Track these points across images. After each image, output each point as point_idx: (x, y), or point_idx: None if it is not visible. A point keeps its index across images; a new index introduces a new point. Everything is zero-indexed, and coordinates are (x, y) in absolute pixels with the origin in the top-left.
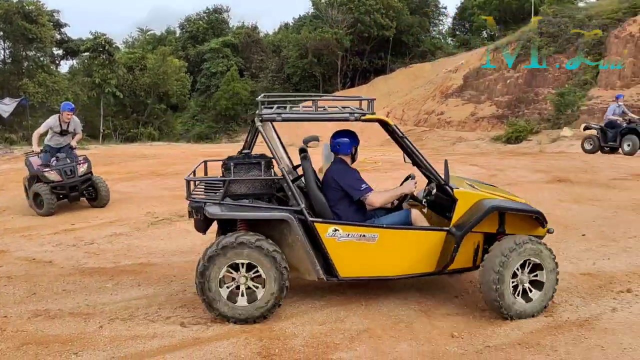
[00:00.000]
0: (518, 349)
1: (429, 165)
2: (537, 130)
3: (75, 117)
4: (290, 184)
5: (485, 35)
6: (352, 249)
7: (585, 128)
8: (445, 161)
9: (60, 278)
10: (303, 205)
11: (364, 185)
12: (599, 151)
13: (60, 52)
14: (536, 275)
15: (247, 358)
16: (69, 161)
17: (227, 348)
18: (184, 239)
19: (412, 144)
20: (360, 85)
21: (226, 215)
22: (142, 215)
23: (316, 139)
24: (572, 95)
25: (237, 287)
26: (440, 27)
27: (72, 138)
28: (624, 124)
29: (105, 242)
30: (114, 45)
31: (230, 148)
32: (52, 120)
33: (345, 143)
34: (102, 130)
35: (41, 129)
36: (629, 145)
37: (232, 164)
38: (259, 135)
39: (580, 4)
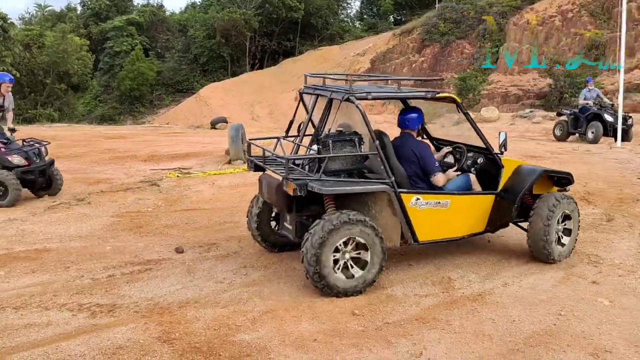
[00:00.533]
0: (415, 324)
1: (484, 136)
2: (440, 115)
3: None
4: (384, 158)
5: (392, 20)
6: (429, 215)
7: (558, 114)
8: (505, 133)
9: None
10: (393, 178)
11: (437, 163)
12: (570, 137)
13: None
14: (566, 225)
15: (146, 343)
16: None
17: (125, 334)
18: (82, 223)
19: (472, 119)
20: (269, 67)
21: (337, 190)
22: (38, 199)
23: (224, 120)
24: (473, 80)
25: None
26: (349, 11)
27: (6, 118)
28: (595, 109)
29: None
30: (8, 21)
31: (136, 130)
32: None
33: (414, 119)
34: None
35: None
36: (592, 132)
37: (330, 141)
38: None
39: None
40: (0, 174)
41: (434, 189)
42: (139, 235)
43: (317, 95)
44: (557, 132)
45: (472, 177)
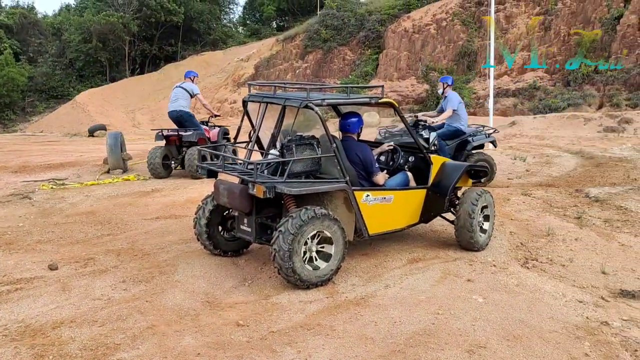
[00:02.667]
0: (300, 331)
1: (416, 136)
2: (326, 119)
3: None
4: (340, 159)
5: (275, 26)
6: (377, 210)
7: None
8: (436, 134)
9: None
10: (347, 177)
11: (376, 165)
12: None
13: None
14: (484, 214)
15: None
16: None
17: None
18: None
19: (406, 121)
20: (151, 72)
21: (304, 190)
22: None
23: (103, 128)
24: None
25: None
26: (231, 16)
27: None
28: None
29: None
30: None
31: (6, 139)
32: None
33: (354, 123)
34: None
35: None
36: None
37: (293, 145)
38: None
39: (362, 0)
40: None
41: (374, 186)
42: (8, 253)
43: (267, 104)
44: None
45: (409, 174)
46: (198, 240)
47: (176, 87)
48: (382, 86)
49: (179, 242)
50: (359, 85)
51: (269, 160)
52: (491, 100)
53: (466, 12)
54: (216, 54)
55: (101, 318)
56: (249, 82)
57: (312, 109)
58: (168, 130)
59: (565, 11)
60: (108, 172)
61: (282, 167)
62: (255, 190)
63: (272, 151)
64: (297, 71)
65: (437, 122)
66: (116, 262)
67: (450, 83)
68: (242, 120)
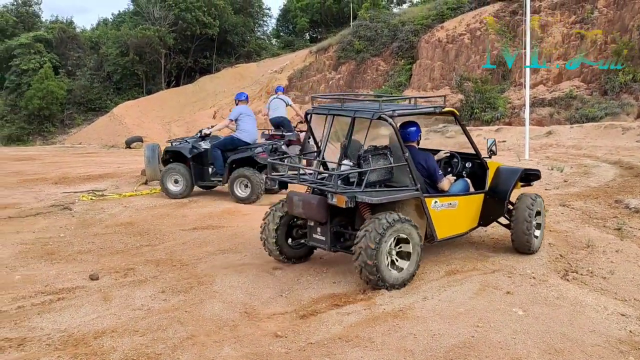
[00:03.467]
0: (338, 343)
1: (474, 144)
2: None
3: None
4: (412, 168)
5: (308, 37)
6: (444, 215)
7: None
8: (494, 139)
9: None
10: (418, 185)
11: (440, 171)
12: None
13: None
14: (537, 220)
15: None
16: None
17: None
18: None
19: (466, 129)
20: (186, 84)
21: (384, 199)
22: None
23: (140, 139)
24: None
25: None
26: (265, 28)
27: None
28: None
29: None
30: None
31: (46, 151)
32: None
33: (413, 132)
34: None
35: None
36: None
37: (369, 155)
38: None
39: (395, 10)
40: None
41: (438, 193)
42: (50, 263)
43: (333, 116)
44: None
45: (469, 180)
46: (264, 245)
47: (274, 98)
48: (445, 96)
49: (216, 253)
50: (422, 95)
51: (350, 171)
52: (527, 109)
53: (500, 21)
54: (250, 66)
55: (142, 328)
56: (312, 95)
57: (386, 120)
58: (270, 131)
59: (602, 19)
60: (146, 183)
61: (359, 177)
62: (335, 200)
63: (345, 162)
64: (330, 82)
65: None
66: (155, 273)
67: (242, 99)
68: (307, 133)
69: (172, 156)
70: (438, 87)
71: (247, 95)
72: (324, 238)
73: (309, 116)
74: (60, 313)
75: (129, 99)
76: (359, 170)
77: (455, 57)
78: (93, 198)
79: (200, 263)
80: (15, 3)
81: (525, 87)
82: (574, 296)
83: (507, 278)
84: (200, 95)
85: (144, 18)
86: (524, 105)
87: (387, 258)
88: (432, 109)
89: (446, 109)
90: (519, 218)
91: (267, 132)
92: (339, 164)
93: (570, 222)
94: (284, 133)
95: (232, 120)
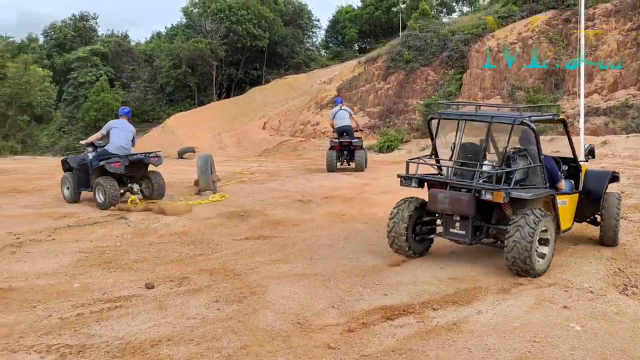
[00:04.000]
0: (392, 355)
1: (574, 149)
2: (407, 140)
3: None
4: (545, 168)
5: (357, 48)
6: (562, 211)
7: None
8: (591, 144)
9: None
10: (549, 184)
11: (559, 173)
12: None
13: None
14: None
15: None
16: None
17: None
18: (48, 260)
19: (570, 136)
20: (237, 95)
21: (534, 196)
22: (1, 235)
23: (192, 150)
24: (439, 106)
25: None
26: (314, 40)
27: None
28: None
29: None
30: None
31: None
32: None
33: (533, 137)
34: None
35: None
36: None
37: (517, 156)
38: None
39: (445, 20)
40: None
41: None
42: (107, 271)
43: (465, 121)
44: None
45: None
46: (392, 244)
47: (340, 109)
48: (558, 106)
49: (268, 263)
50: (540, 104)
51: (506, 170)
52: (582, 119)
53: (553, 29)
54: (299, 77)
55: (197, 337)
56: (439, 101)
57: (529, 125)
58: (338, 138)
59: None
60: (199, 193)
61: (507, 176)
62: (491, 196)
63: (486, 162)
64: (379, 92)
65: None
66: (209, 282)
67: (121, 114)
68: (433, 137)
69: (68, 166)
70: (489, 96)
71: (127, 111)
72: (463, 232)
73: (434, 121)
74: (117, 321)
75: (181, 110)
76: (503, 169)
77: (507, 66)
78: (139, 201)
79: (252, 273)
80: (73, 18)
81: (579, 95)
82: (634, 312)
83: (563, 292)
84: (250, 106)
85: (196, 31)
86: (578, 114)
87: (535, 249)
88: (551, 117)
89: (561, 117)
90: (609, 215)
91: (335, 140)
92: (481, 164)
93: (628, 234)
94: (352, 140)
95: (103, 134)
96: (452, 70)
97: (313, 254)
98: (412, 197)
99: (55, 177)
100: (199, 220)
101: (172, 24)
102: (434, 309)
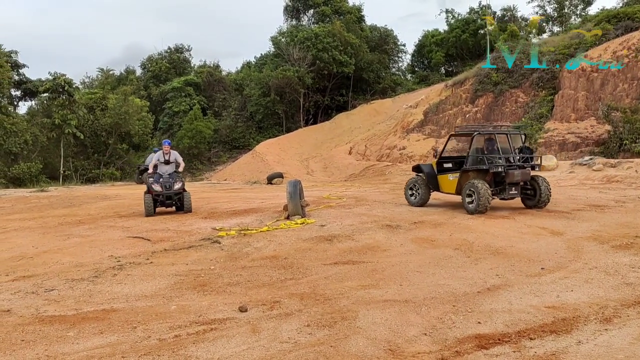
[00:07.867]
0: None
1: None
2: None
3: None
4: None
5: (443, 71)
6: None
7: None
8: None
9: (18, 328)
10: None
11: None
12: None
13: (19, 93)
14: None
15: None
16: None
17: None
18: (147, 283)
19: None
20: (323, 121)
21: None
22: (104, 258)
23: (280, 175)
24: (529, 129)
25: None
26: (400, 64)
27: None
28: None
29: (66, 287)
30: (74, 86)
31: (195, 187)
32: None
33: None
34: (62, 172)
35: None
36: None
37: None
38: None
39: (534, 40)
40: None
41: None
42: (202, 294)
43: (496, 134)
44: None
45: None
46: (486, 203)
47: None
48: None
49: (357, 288)
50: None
51: (529, 156)
52: None
53: None
54: (385, 102)
55: None
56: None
57: (525, 134)
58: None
59: None
60: (288, 218)
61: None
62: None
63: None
64: (467, 115)
65: None
66: (300, 306)
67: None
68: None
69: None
70: (582, 118)
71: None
72: (517, 192)
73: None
74: (213, 343)
75: (269, 137)
76: (535, 155)
77: (601, 86)
78: (227, 233)
79: (342, 298)
80: (169, 50)
81: None
82: None
83: None
84: (336, 132)
85: (284, 59)
86: None
87: None
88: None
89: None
90: None
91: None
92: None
93: None
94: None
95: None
96: (544, 91)
97: (403, 279)
98: None
99: None
100: (288, 244)
101: (261, 53)
102: (531, 339)
